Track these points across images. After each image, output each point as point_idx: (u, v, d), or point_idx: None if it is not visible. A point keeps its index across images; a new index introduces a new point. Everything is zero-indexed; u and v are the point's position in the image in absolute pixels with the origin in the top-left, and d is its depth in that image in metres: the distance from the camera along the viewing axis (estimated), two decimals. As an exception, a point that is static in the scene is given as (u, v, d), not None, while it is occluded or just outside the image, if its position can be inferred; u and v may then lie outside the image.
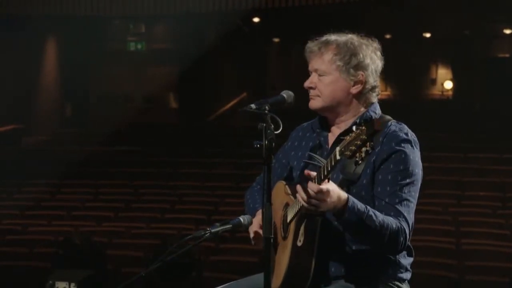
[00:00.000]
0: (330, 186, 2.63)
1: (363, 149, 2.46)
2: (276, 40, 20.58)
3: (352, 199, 2.69)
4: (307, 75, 3.01)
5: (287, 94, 2.95)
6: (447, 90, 20.07)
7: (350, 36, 2.95)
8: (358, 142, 2.46)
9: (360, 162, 2.51)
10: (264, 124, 2.71)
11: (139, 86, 19.24)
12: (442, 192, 11.16)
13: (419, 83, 20.50)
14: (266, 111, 2.78)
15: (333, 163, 2.57)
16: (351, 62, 2.89)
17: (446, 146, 13.21)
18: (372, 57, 2.94)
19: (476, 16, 16.43)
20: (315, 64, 2.95)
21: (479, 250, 9.34)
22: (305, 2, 14.79)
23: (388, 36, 18.77)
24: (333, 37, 2.95)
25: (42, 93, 17.53)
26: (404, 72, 19.44)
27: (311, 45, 2.96)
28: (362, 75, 2.91)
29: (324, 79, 2.93)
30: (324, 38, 2.96)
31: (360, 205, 2.69)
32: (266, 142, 2.68)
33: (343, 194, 2.66)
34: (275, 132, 2.71)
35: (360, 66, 2.90)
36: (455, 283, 8.77)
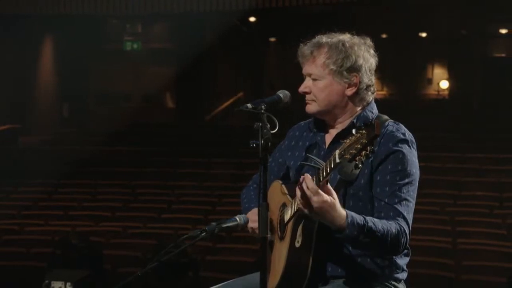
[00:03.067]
0: (333, 200, 2.63)
1: (363, 152, 2.45)
2: (273, 39, 20.58)
3: (351, 214, 2.68)
4: (303, 76, 3.01)
5: (283, 93, 2.95)
6: (443, 90, 20.11)
7: (341, 37, 2.93)
8: (358, 146, 2.45)
9: (361, 165, 2.49)
10: (260, 124, 2.71)
11: (137, 86, 19.26)
12: (439, 192, 11.17)
13: (415, 83, 20.53)
14: (263, 111, 2.77)
15: (332, 166, 2.56)
16: (344, 65, 2.87)
17: (443, 146, 13.22)
18: (365, 56, 2.91)
19: (473, 16, 16.46)
20: (308, 68, 2.94)
21: (476, 249, 9.35)
22: (302, 2, 14.80)
23: (384, 36, 18.80)
24: (324, 39, 2.92)
25: (40, 92, 17.53)
26: (400, 71, 19.48)
27: (303, 49, 2.94)
28: (356, 76, 2.89)
29: (318, 83, 2.92)
30: (316, 40, 2.93)
31: (359, 219, 2.68)
32: (262, 141, 2.67)
33: (342, 211, 2.66)
34: (272, 132, 2.71)
35: (353, 68, 2.88)
36: (452, 283, 8.78)
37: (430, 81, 20.84)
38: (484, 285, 8.60)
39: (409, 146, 2.85)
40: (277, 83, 18.43)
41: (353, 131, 2.49)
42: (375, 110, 2.97)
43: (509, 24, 17.75)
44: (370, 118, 2.91)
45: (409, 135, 2.88)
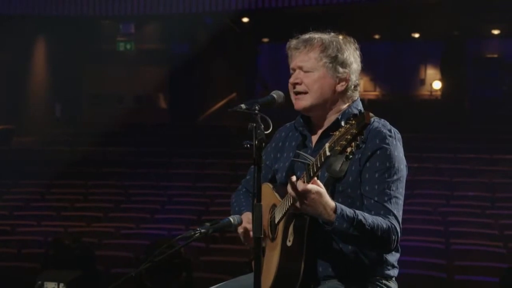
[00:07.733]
0: (322, 190, 2.64)
1: (354, 143, 2.45)
2: (266, 40, 20.59)
3: (340, 206, 2.69)
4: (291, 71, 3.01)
5: (277, 94, 2.95)
6: (436, 90, 20.14)
7: (332, 34, 2.97)
8: (349, 137, 2.45)
9: (351, 157, 2.50)
10: (254, 124, 2.71)
11: (129, 87, 19.22)
12: (432, 192, 11.17)
13: (408, 84, 20.57)
14: (256, 111, 2.77)
15: (322, 160, 2.56)
16: (337, 59, 2.91)
17: (435, 147, 13.24)
18: (355, 55, 2.96)
19: (465, 17, 16.48)
20: (300, 61, 2.95)
21: (469, 250, 9.37)
22: (295, 2, 14.82)
23: (377, 37, 18.83)
24: (317, 35, 2.96)
25: (32, 93, 17.48)
26: (393, 72, 19.52)
27: (295, 43, 2.97)
28: (347, 72, 2.92)
29: (311, 75, 2.93)
30: (308, 36, 2.96)
31: (349, 211, 2.69)
32: (256, 142, 2.67)
33: (331, 202, 2.67)
34: (265, 132, 2.71)
35: (345, 64, 2.92)
36: (444, 283, 8.79)
37: (423, 82, 20.90)
38: (476, 286, 8.61)
39: (395, 142, 2.86)
40: (270, 84, 18.45)
41: (342, 123, 2.50)
42: (360, 107, 2.98)
43: (501, 24, 17.79)
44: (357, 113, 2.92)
45: (394, 131, 2.90)
